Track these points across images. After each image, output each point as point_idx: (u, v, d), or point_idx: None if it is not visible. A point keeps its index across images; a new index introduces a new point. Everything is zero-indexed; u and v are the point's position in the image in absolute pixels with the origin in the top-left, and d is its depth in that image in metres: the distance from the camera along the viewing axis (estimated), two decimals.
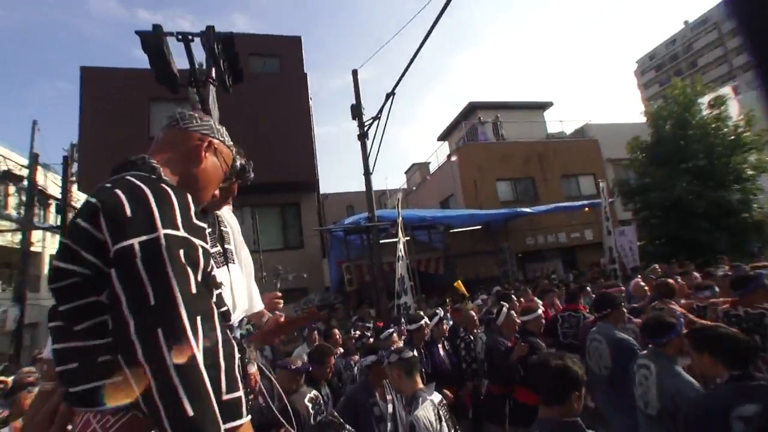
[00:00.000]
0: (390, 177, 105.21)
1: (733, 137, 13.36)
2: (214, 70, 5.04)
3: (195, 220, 0.93)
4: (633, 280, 6.43)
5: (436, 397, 2.52)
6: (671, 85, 15.04)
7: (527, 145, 16.51)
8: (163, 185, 0.93)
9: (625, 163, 16.01)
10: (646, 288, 5.48)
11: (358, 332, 6.22)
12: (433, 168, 19.71)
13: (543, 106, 19.83)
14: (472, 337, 4.68)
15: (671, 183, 12.99)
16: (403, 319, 5.55)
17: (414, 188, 21.16)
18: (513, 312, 4.26)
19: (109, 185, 0.91)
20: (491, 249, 13.87)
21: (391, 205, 19.25)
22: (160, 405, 0.75)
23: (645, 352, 2.75)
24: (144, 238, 0.83)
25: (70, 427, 0.97)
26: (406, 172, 23.81)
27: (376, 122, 9.35)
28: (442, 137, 21.89)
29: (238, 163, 1.50)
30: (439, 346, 4.44)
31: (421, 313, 4.88)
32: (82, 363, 0.86)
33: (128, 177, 0.94)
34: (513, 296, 5.62)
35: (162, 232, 0.84)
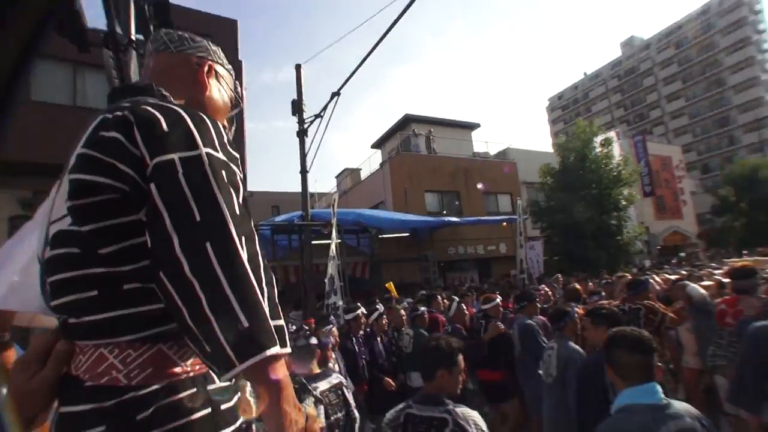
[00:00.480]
0: (319, 180, 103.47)
1: (615, 173, 16.20)
2: (140, 33, 4.13)
3: (230, 148, 0.87)
4: (540, 286, 7.60)
5: (335, 379, 2.53)
6: (575, 124, 17.83)
7: (455, 161, 17.89)
8: (194, 111, 0.87)
9: (537, 187, 18.20)
10: (550, 293, 6.81)
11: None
12: (364, 174, 20.30)
13: (471, 127, 21.60)
14: (396, 333, 5.08)
15: (571, 207, 15.36)
16: (332, 317, 5.57)
17: (344, 192, 21.58)
18: (462, 305, 5.14)
19: (128, 104, 0.84)
20: (415, 257, 14.74)
21: (319, 208, 19.39)
22: (213, 318, 0.70)
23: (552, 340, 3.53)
24: (186, 154, 0.78)
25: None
26: (337, 176, 24.13)
27: (314, 121, 9.39)
28: (376, 145, 22.63)
29: (239, 90, 1.27)
30: (378, 339, 4.77)
31: (358, 304, 5.14)
32: (103, 291, 0.78)
33: (149, 100, 0.87)
34: (439, 297, 6.35)
35: (204, 150, 0.79)
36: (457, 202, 17.36)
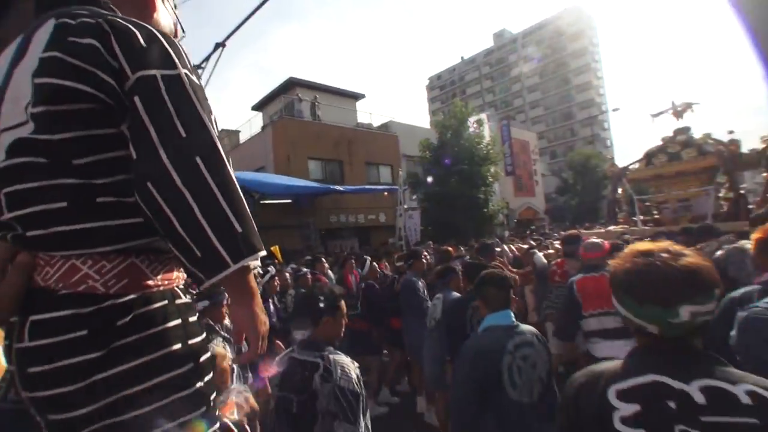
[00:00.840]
0: None
1: (485, 152, 17.83)
2: None
3: (197, 75, 0.88)
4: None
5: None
6: (453, 104, 18.93)
7: (339, 130, 17.65)
8: (164, 32, 0.87)
9: (416, 160, 19.06)
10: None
11: None
12: (244, 137, 18.86)
13: (356, 97, 21.46)
14: (281, 297, 5.22)
15: (446, 180, 16.42)
16: None
17: None
18: (375, 264, 5.63)
19: (88, 12, 0.81)
20: (297, 224, 14.39)
21: None
22: (206, 225, 0.75)
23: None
24: (166, 72, 0.80)
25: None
26: None
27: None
28: (257, 107, 21.09)
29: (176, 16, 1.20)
30: (270, 301, 4.76)
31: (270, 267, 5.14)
32: (75, 202, 0.77)
33: (103, 12, 0.84)
34: (323, 260, 6.79)
35: (182, 71, 0.82)
36: (339, 171, 17.27)
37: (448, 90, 74.51)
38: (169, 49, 0.83)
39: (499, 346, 1.95)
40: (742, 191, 7.20)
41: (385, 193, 15.55)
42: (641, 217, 7.89)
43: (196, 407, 0.84)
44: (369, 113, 25.53)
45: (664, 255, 0.97)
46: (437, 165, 17.08)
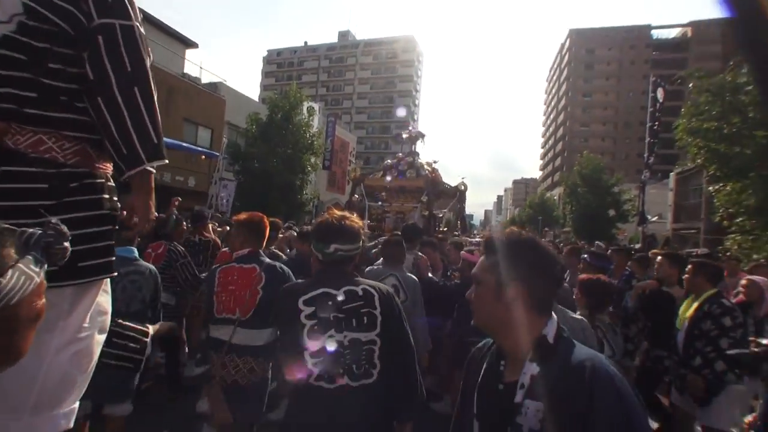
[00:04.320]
0: None
1: (310, 141, 18.69)
2: None
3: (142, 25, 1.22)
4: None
5: None
6: (289, 86, 19.16)
7: (161, 73, 15.65)
8: None
9: (241, 131, 18.45)
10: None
11: None
12: None
13: (188, 43, 19.28)
14: None
15: (268, 158, 16.60)
16: None
17: None
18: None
19: None
20: None
21: None
22: (134, 133, 1.12)
23: None
24: (123, 22, 1.12)
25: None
26: None
27: None
28: None
29: None
30: None
31: None
32: (42, 94, 1.07)
33: None
34: None
35: (135, 23, 1.15)
36: None
37: (286, 70, 72.96)
38: (127, 4, 1.15)
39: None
40: (439, 215, 9.07)
41: (203, 157, 14.67)
42: (368, 222, 8.91)
43: (107, 256, 1.21)
44: (199, 66, 23.19)
45: (336, 217, 1.68)
46: (262, 142, 17.03)
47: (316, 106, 22.79)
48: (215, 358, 2.13)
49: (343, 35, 75.16)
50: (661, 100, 16.17)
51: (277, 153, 17.03)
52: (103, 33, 1.09)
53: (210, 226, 6.48)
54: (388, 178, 9.01)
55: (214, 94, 18.71)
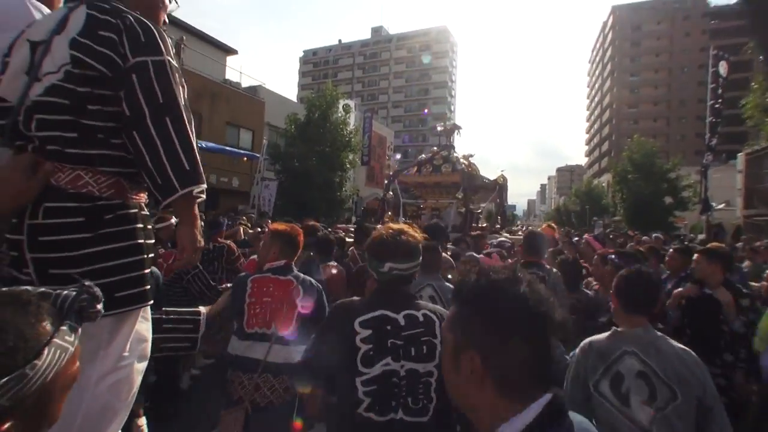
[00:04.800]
0: None
1: (347, 139, 18.76)
2: None
3: (174, 57, 1.27)
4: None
5: None
6: (325, 85, 19.29)
7: (204, 81, 16.29)
8: (156, 25, 1.25)
9: (280, 132, 18.84)
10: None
11: None
12: None
13: (228, 50, 19.96)
14: None
15: (307, 158, 16.84)
16: None
17: None
18: None
19: (107, 6, 1.18)
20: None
21: None
22: (167, 163, 1.15)
23: None
24: (155, 57, 1.18)
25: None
26: None
27: None
28: None
29: None
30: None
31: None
32: (82, 134, 1.14)
33: (124, 8, 1.21)
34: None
35: (166, 57, 1.21)
36: (197, 125, 15.94)
37: (321, 69, 73.96)
38: (159, 41, 1.20)
39: None
40: (477, 210, 8.57)
41: (245, 159, 15.09)
42: (402, 219, 8.88)
43: (142, 285, 1.23)
44: (239, 72, 23.92)
45: (392, 232, 1.53)
46: (301, 141, 17.28)
47: (352, 103, 22.85)
48: (245, 380, 1.99)
49: (376, 31, 75.00)
50: (724, 75, 14.69)
51: (315, 152, 17.24)
52: (137, 71, 1.15)
53: (242, 228, 6.60)
54: (423, 174, 8.70)
55: (254, 97, 19.22)
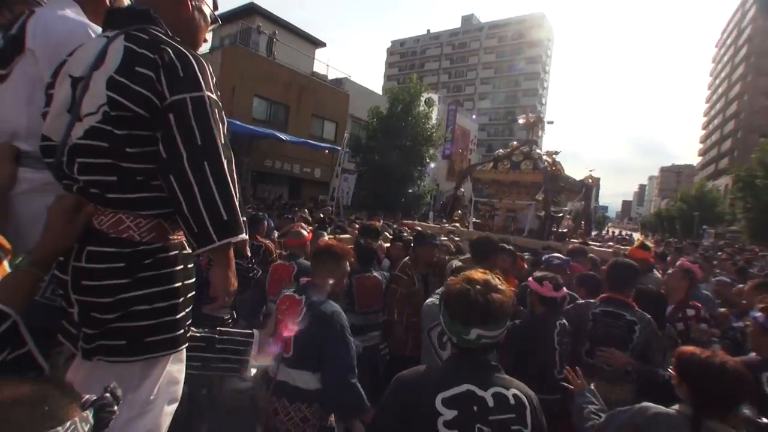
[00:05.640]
0: None
1: (429, 133, 18.45)
2: None
3: (216, 89, 1.19)
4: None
5: None
6: (409, 77, 19.11)
7: (293, 74, 17.04)
8: (196, 55, 1.17)
9: (362, 124, 19.14)
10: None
11: None
12: None
13: (317, 43, 20.59)
14: None
15: (387, 151, 16.85)
16: None
17: None
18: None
19: (146, 37, 1.12)
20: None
21: None
22: (204, 211, 1.08)
23: None
24: (193, 94, 1.10)
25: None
26: None
27: None
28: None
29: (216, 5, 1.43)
30: None
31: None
32: (122, 178, 1.11)
33: (163, 36, 1.15)
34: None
35: (205, 93, 1.12)
36: (284, 116, 16.83)
37: (408, 59, 73.73)
38: (199, 75, 1.13)
39: None
40: (558, 214, 7.44)
41: (326, 151, 15.58)
42: (473, 219, 8.00)
43: (176, 330, 1.20)
44: (326, 64, 24.66)
45: (478, 286, 1.24)
46: (382, 135, 17.38)
47: (435, 96, 22.37)
48: (267, 401, 1.97)
49: (467, 19, 72.68)
50: None
51: (396, 145, 17.22)
52: (174, 110, 1.09)
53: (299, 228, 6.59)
54: (499, 171, 7.67)
55: (339, 89, 19.68)
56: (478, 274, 1.31)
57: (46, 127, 1.18)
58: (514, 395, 1.20)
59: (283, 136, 13.42)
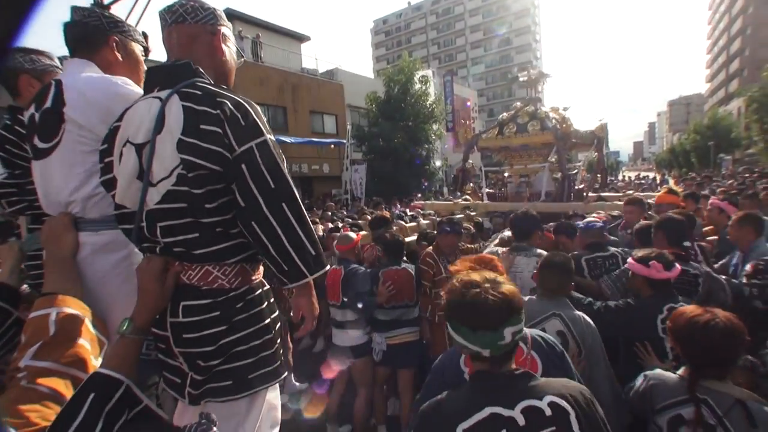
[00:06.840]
0: None
1: (430, 110, 18.14)
2: None
3: (269, 130, 1.24)
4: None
5: None
6: (401, 57, 18.75)
7: (283, 74, 16.83)
8: (249, 101, 1.20)
9: (362, 112, 18.91)
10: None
11: None
12: None
13: (301, 38, 20.29)
14: None
15: (391, 135, 16.65)
16: None
17: None
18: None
19: (199, 93, 1.14)
20: None
21: None
22: (291, 249, 1.16)
23: None
24: (258, 140, 1.15)
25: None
26: None
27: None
28: None
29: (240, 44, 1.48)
30: None
31: None
32: (202, 233, 1.15)
33: (213, 88, 1.18)
34: None
35: (267, 136, 1.17)
36: (283, 118, 16.71)
37: (394, 37, 72.30)
38: (257, 121, 1.17)
39: None
40: (573, 171, 7.06)
41: (332, 146, 15.47)
42: (487, 190, 7.71)
43: (273, 363, 1.28)
44: (314, 58, 24.38)
45: (486, 285, 1.10)
46: (383, 119, 17.15)
47: (429, 72, 21.87)
48: None
49: None
50: None
51: (399, 127, 17.00)
52: (245, 160, 1.13)
53: (320, 227, 6.57)
54: (506, 136, 7.24)
55: (332, 81, 19.41)
56: (471, 275, 1.16)
57: (119, 196, 1.22)
58: (551, 403, 1.04)
59: (286, 139, 13.35)
